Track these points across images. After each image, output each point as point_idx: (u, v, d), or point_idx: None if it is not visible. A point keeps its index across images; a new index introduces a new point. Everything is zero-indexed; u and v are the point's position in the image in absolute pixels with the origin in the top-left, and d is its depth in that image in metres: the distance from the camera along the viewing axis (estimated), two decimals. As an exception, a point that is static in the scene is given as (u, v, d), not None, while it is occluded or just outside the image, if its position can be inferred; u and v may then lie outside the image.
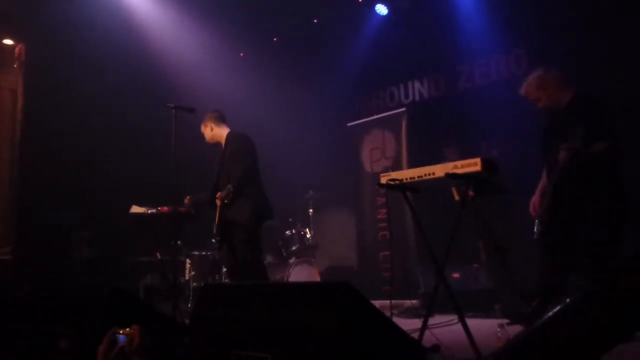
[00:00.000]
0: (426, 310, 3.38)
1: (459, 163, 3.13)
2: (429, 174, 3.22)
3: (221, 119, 4.87)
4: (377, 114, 7.40)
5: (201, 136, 4.97)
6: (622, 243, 3.47)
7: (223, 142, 4.78)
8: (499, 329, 2.91)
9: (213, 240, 6.29)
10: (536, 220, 3.82)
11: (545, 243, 3.67)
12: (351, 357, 1.65)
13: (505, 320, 3.65)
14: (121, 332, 2.02)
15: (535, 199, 3.91)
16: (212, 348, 2.08)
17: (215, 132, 4.80)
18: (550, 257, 3.62)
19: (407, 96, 7.63)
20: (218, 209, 4.46)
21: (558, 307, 1.14)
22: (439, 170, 3.19)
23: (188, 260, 6.37)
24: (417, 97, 7.55)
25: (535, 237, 3.76)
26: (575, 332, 1.09)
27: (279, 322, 1.88)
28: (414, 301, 5.49)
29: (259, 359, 1.85)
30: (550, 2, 6.07)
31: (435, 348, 3.02)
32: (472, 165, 3.08)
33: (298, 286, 2.55)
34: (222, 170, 4.69)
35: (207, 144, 4.97)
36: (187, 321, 3.90)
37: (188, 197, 5.30)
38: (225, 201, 4.42)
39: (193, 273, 6.34)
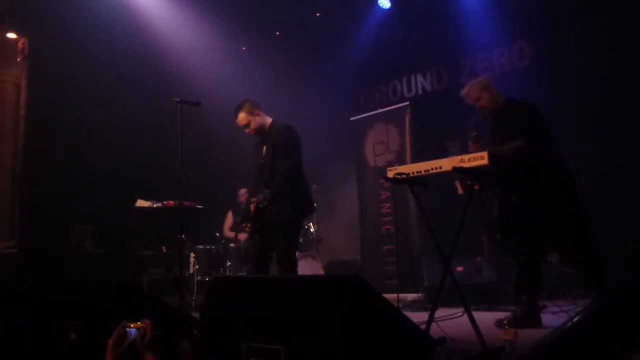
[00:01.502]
0: (432, 303, 3.39)
1: (465, 157, 3.14)
2: (436, 168, 3.23)
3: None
4: (380, 107, 7.40)
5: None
6: (586, 222, 3.59)
7: (265, 131, 4.47)
8: (505, 321, 2.93)
9: (218, 235, 6.29)
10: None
11: (507, 244, 3.81)
12: (362, 349, 1.66)
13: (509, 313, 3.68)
14: (132, 325, 2.04)
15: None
16: (223, 340, 2.10)
17: (264, 120, 4.46)
18: (516, 255, 3.71)
19: (409, 90, 7.63)
20: (253, 207, 4.21)
21: (576, 317, 1.15)
22: (445, 164, 3.20)
23: (192, 254, 6.40)
24: (419, 91, 7.55)
25: (497, 237, 3.86)
26: (594, 340, 1.10)
27: (291, 314, 1.89)
28: (417, 294, 5.52)
29: (271, 351, 1.86)
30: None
31: (441, 340, 3.03)
32: (479, 159, 3.09)
33: (309, 279, 2.57)
34: (265, 162, 4.40)
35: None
36: (192, 314, 3.92)
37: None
38: (260, 206, 4.18)
39: (197, 267, 6.36)
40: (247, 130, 4.46)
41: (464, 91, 4.11)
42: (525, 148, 3.54)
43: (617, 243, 4.71)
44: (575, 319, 1.10)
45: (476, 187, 3.41)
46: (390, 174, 3.42)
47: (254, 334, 1.98)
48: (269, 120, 4.48)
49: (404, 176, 3.34)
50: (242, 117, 4.43)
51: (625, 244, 4.77)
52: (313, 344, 1.76)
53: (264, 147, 4.44)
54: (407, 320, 1.90)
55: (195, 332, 2.85)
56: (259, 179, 4.40)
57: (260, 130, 4.45)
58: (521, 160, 3.57)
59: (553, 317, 3.82)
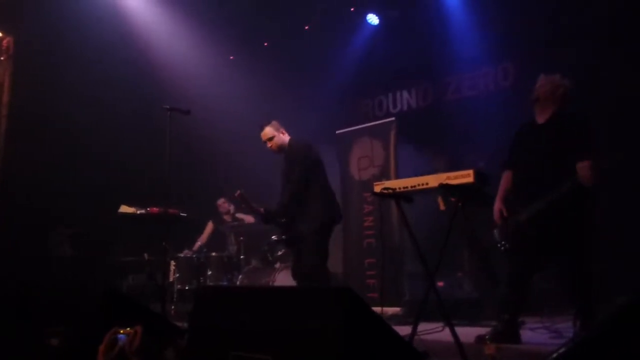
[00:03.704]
0: (413, 317, 3.43)
1: (452, 174, 3.20)
2: (423, 184, 3.28)
3: None
4: (365, 122, 7.45)
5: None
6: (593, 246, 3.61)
7: (284, 150, 4.72)
8: (487, 337, 2.97)
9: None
10: (495, 230, 3.85)
11: (514, 253, 3.72)
12: (354, 360, 1.69)
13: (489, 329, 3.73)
14: (122, 331, 2.04)
15: (499, 205, 3.88)
16: (211, 350, 2.10)
17: (285, 139, 4.71)
18: (520, 267, 3.69)
19: (395, 105, 7.74)
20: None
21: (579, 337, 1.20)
22: (432, 180, 3.26)
23: (173, 262, 6.35)
24: (405, 107, 7.66)
25: (500, 246, 3.79)
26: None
27: (281, 325, 1.90)
28: (397, 308, 5.56)
29: (260, 361, 1.88)
30: (538, 17, 6.25)
31: (424, 355, 3.06)
32: (465, 176, 3.16)
33: (299, 290, 2.59)
34: (285, 180, 4.64)
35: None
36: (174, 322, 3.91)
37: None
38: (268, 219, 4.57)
39: (177, 275, 6.32)
40: (268, 144, 4.67)
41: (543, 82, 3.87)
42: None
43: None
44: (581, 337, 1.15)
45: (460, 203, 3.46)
46: (377, 189, 3.48)
47: (242, 344, 1.99)
48: (287, 139, 4.71)
49: (390, 191, 3.40)
50: (267, 130, 4.68)
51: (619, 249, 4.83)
52: (304, 355, 1.78)
53: (285, 166, 4.69)
54: (395, 333, 1.93)
55: (179, 340, 2.84)
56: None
57: (281, 149, 4.68)
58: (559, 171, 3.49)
59: (532, 333, 3.89)
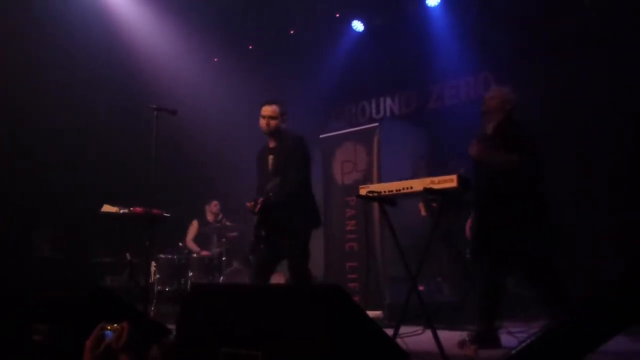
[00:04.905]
0: (393, 321, 3.48)
1: (435, 179, 3.28)
2: (407, 188, 3.35)
3: None
4: (348, 127, 7.53)
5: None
6: (557, 246, 3.67)
7: (278, 139, 4.36)
8: (467, 339, 3.04)
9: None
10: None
11: (478, 261, 3.80)
12: (344, 356, 1.73)
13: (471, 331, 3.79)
14: (109, 327, 2.05)
15: (469, 221, 4.08)
16: (201, 346, 2.13)
17: (283, 125, 4.35)
18: (486, 274, 3.74)
19: (378, 111, 7.83)
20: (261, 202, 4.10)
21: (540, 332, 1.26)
22: (417, 184, 3.32)
23: (154, 263, 6.32)
24: (387, 113, 7.75)
25: (468, 256, 3.90)
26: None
27: (270, 322, 1.94)
28: (378, 312, 5.62)
29: (249, 357, 1.91)
30: (518, 28, 6.41)
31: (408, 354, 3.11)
32: (448, 181, 3.23)
33: (290, 288, 2.63)
34: (274, 171, 4.29)
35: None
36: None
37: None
38: (271, 201, 4.13)
39: (158, 276, 6.29)
40: (265, 122, 4.30)
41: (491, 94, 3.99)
42: (517, 163, 3.57)
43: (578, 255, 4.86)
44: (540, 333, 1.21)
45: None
46: (362, 192, 3.53)
47: (232, 341, 2.02)
48: (283, 126, 4.38)
49: (375, 194, 3.46)
50: (274, 108, 4.31)
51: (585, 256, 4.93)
52: (293, 352, 1.82)
53: (271, 156, 4.35)
54: (383, 332, 1.98)
55: (164, 338, 2.86)
56: (265, 188, 4.27)
57: (274, 134, 4.34)
58: (507, 175, 3.61)
59: (508, 337, 3.97)
